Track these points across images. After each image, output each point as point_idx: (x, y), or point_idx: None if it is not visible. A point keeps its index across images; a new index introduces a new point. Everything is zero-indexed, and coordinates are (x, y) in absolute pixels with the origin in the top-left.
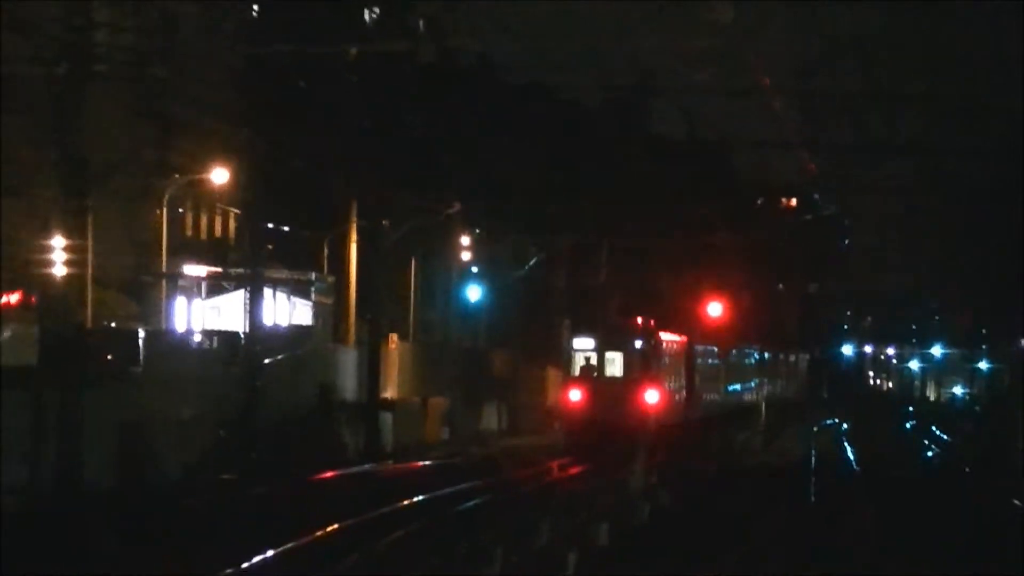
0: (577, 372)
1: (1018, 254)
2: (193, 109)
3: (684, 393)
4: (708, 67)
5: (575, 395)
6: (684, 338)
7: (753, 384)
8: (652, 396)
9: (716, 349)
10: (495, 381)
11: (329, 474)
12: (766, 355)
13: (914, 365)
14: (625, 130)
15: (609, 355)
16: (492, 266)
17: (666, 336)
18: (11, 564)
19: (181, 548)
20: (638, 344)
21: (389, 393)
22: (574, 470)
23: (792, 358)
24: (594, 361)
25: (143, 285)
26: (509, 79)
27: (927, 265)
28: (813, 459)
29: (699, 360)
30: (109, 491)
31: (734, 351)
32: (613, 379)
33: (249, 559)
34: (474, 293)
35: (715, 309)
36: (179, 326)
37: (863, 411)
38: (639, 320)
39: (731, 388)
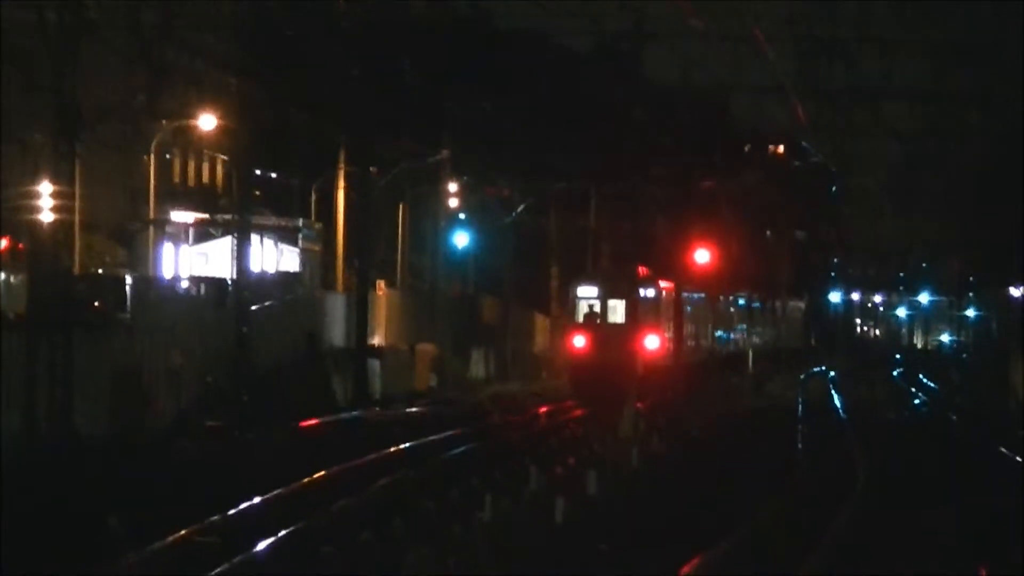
0: (581, 319)
1: (1010, 202)
2: (184, 55)
3: (682, 339)
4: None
5: (579, 341)
6: (680, 286)
7: (744, 330)
8: (652, 342)
9: (710, 297)
10: (484, 328)
11: (316, 421)
12: (756, 302)
13: (902, 313)
14: (618, 76)
15: (612, 303)
16: (481, 212)
17: (664, 285)
18: (3, 510)
19: (170, 495)
20: (640, 292)
21: (377, 340)
22: (565, 416)
23: (782, 305)
24: (597, 308)
25: (131, 232)
26: (502, 24)
27: (919, 212)
28: (800, 406)
29: (694, 308)
30: (100, 438)
31: (728, 298)
32: (615, 325)
33: (236, 506)
34: (462, 240)
35: (704, 256)
36: (167, 273)
37: (851, 359)
38: (640, 269)
39: (724, 334)
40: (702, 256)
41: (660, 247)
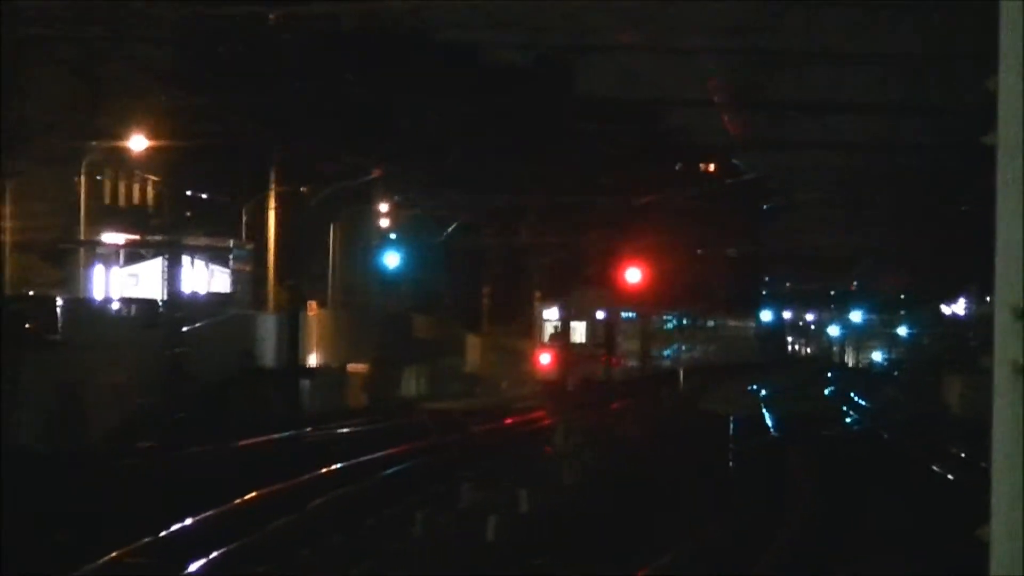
0: (547, 339)
1: (942, 219)
2: (114, 74)
3: (632, 356)
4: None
5: (545, 358)
6: (617, 306)
7: (685, 348)
8: (613, 358)
9: (644, 316)
10: (417, 346)
11: (247, 441)
12: (689, 320)
13: (834, 331)
14: (554, 90)
15: (573, 324)
16: (415, 230)
17: (619, 308)
18: None
19: (101, 515)
20: (598, 315)
21: (309, 360)
22: (499, 435)
23: (717, 323)
24: (560, 329)
25: (64, 252)
26: (437, 38)
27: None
28: (732, 423)
29: (642, 327)
30: (33, 456)
31: (673, 317)
32: (578, 344)
33: (167, 527)
34: (392, 260)
35: (636, 275)
36: (98, 294)
37: (782, 376)
38: (599, 293)
39: (669, 352)
40: (633, 275)
41: (595, 262)
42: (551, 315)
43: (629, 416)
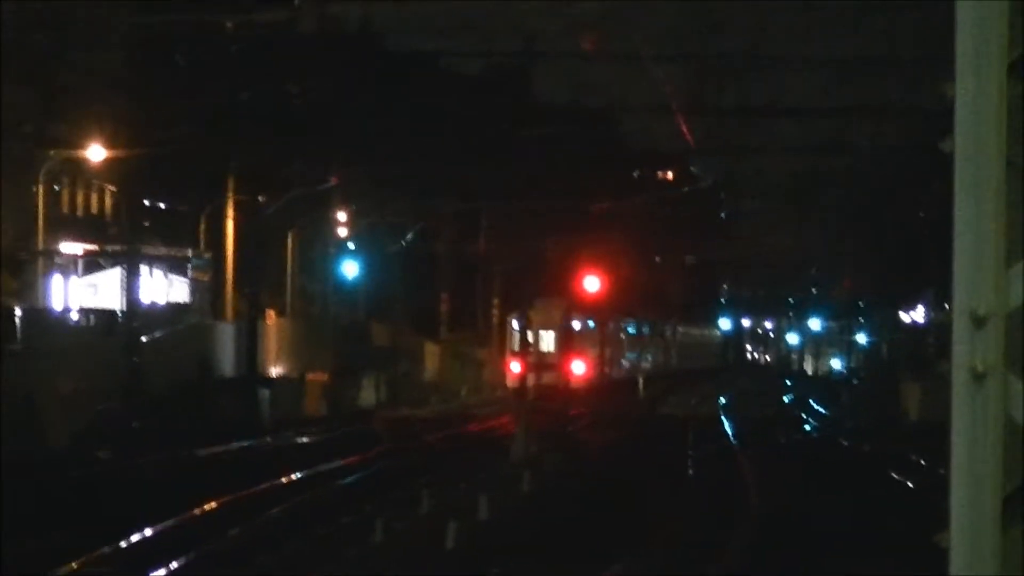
0: (516, 347)
1: (896, 224)
2: (77, 80)
3: (599, 362)
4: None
5: (516, 367)
6: (592, 318)
7: (645, 355)
8: (578, 366)
9: (601, 323)
10: (375, 353)
11: (205, 451)
12: (647, 327)
13: (792, 338)
14: (507, 97)
15: (542, 333)
16: (373, 238)
17: (579, 317)
18: None
19: (59, 524)
20: (565, 324)
21: (268, 368)
22: (458, 441)
23: (672, 329)
24: (530, 338)
25: (21, 262)
26: (391, 46)
27: (805, 234)
28: (691, 431)
29: (601, 336)
30: None
31: (633, 324)
32: (547, 353)
33: (127, 537)
34: (351, 269)
35: (594, 283)
36: (57, 304)
37: (741, 383)
38: (565, 303)
39: (628, 359)
40: (592, 284)
41: (551, 268)
42: (518, 324)
43: (589, 423)
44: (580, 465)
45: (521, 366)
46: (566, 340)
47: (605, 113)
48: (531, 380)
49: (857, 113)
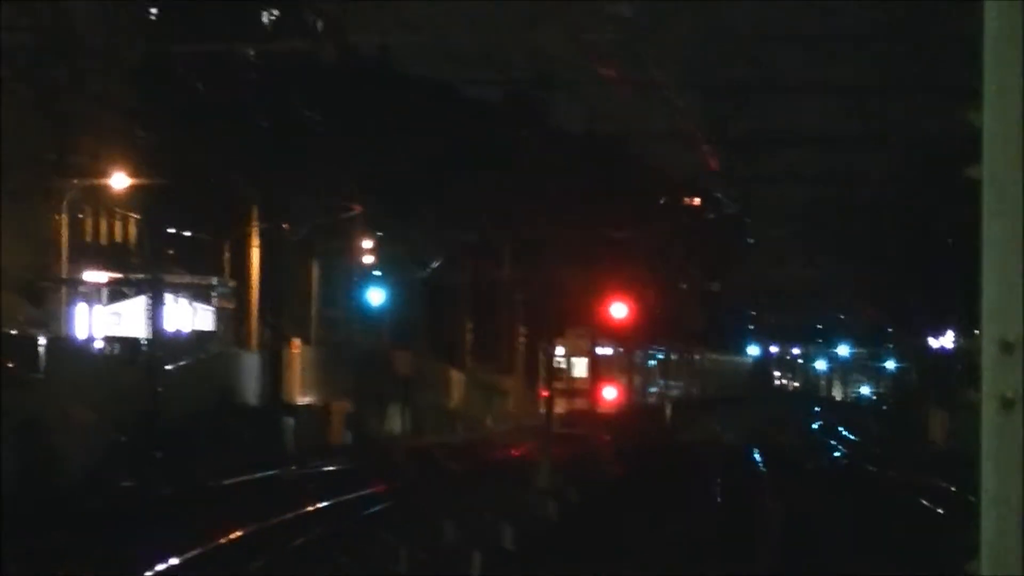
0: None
1: (922, 250)
2: (93, 110)
3: (629, 390)
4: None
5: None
6: (619, 345)
7: (672, 382)
8: (610, 392)
9: (647, 352)
10: (399, 382)
11: (230, 480)
12: (674, 355)
13: (820, 365)
14: (526, 126)
15: (574, 360)
16: (395, 266)
17: (606, 344)
18: None
19: (81, 555)
20: (598, 352)
21: (292, 397)
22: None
23: (704, 357)
24: (563, 365)
25: (44, 290)
26: (410, 76)
27: (830, 261)
28: (718, 459)
29: (628, 363)
30: (11, 496)
31: (661, 353)
32: (578, 379)
33: (151, 567)
34: (376, 296)
35: (621, 309)
36: (80, 333)
37: (769, 410)
38: (593, 331)
39: (655, 386)
40: (619, 311)
41: (573, 296)
42: (559, 352)
43: (616, 451)
44: (605, 494)
45: (547, 393)
46: (597, 367)
47: (624, 139)
48: (564, 407)
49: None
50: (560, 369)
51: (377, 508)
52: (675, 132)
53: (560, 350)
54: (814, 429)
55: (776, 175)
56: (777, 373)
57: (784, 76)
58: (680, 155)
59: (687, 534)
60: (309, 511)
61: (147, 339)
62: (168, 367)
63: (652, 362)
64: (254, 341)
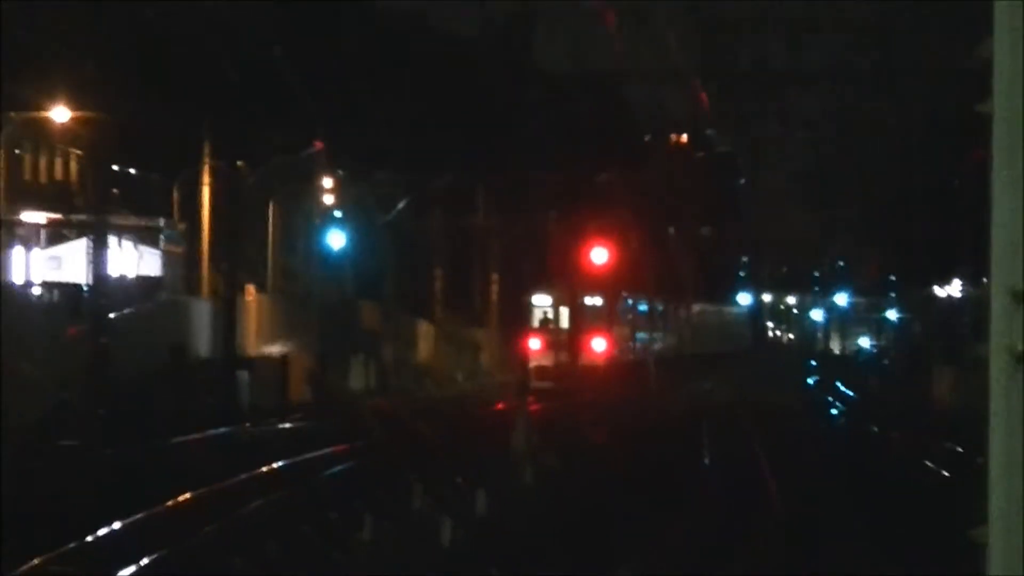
0: (536, 324)
1: (929, 197)
2: (33, 36)
3: (618, 340)
4: None
5: (535, 343)
6: (600, 294)
7: (657, 334)
8: (599, 344)
9: (636, 302)
10: (363, 335)
11: (178, 439)
12: (670, 305)
13: (817, 315)
14: (507, 63)
15: (562, 309)
16: (359, 211)
17: (606, 293)
18: None
19: (18, 519)
20: (586, 301)
21: (247, 349)
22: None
23: (692, 307)
24: (550, 315)
25: None
26: (382, 7)
27: (833, 205)
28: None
29: (609, 313)
30: None
31: (644, 302)
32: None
33: (95, 531)
34: (337, 240)
35: (601, 254)
36: (17, 278)
37: (761, 364)
38: (578, 279)
39: (643, 336)
40: (599, 256)
41: (553, 243)
42: (540, 302)
43: (597, 411)
44: (586, 458)
45: (542, 342)
46: (580, 318)
47: (611, 78)
48: (550, 360)
49: (884, 77)
50: (547, 319)
51: (337, 469)
52: (665, 69)
53: (546, 299)
54: (811, 385)
55: (776, 111)
56: (771, 324)
57: (783, 9)
58: (671, 95)
59: (674, 518)
60: (263, 472)
61: (89, 285)
62: (112, 316)
63: (635, 314)
64: (205, 288)
